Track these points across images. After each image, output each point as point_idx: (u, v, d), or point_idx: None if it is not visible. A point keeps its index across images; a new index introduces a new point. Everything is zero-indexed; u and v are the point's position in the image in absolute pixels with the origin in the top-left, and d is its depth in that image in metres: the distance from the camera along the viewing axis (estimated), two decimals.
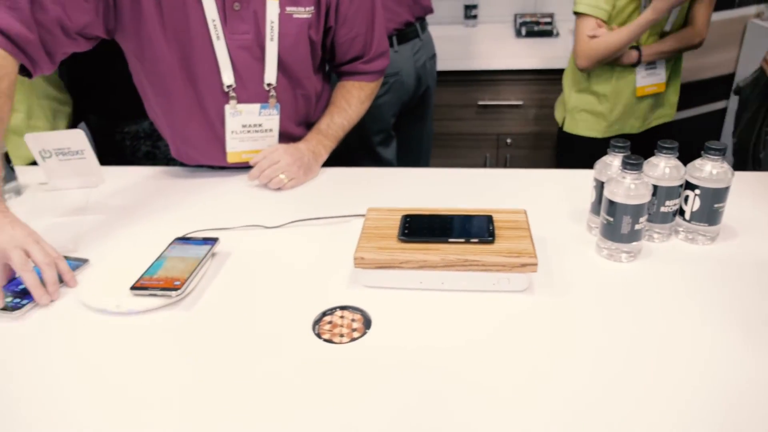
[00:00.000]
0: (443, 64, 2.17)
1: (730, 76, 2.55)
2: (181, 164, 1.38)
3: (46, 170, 1.23)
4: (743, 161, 1.62)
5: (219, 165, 1.33)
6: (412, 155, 2.13)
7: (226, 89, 1.22)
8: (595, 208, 1.02)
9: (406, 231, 0.93)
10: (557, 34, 2.58)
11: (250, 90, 1.23)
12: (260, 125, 1.28)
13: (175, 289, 0.88)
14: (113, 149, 1.77)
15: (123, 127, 1.80)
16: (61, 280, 0.93)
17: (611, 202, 0.93)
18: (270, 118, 1.28)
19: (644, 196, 0.92)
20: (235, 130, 1.27)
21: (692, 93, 2.50)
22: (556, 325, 0.82)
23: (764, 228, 1.04)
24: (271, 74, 1.23)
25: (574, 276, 0.93)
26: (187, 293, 0.91)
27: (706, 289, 0.89)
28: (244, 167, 1.31)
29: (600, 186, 1.00)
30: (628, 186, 0.91)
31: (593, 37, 1.67)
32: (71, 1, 1.04)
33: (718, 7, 1.82)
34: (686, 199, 0.99)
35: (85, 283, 0.94)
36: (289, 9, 1.19)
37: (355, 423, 0.68)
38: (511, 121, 2.43)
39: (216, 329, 0.84)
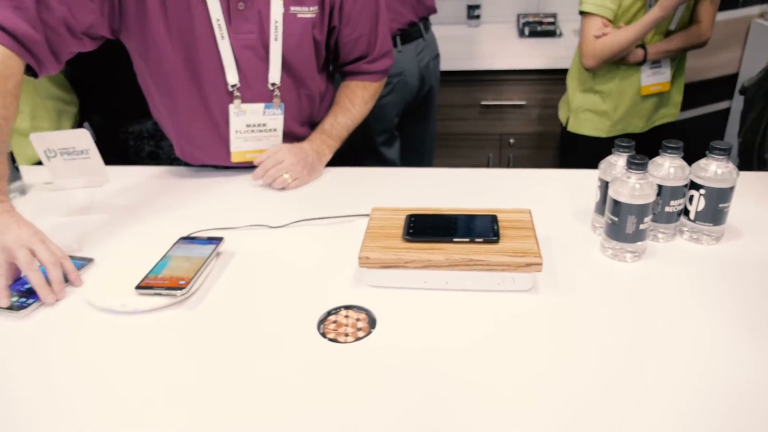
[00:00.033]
0: (446, 64, 2.17)
1: (734, 76, 2.55)
2: (185, 164, 1.39)
3: (51, 170, 1.24)
4: (748, 161, 1.62)
5: (223, 165, 1.33)
6: (415, 155, 2.13)
7: (231, 89, 1.22)
8: (600, 208, 1.02)
9: (410, 231, 0.93)
10: (560, 34, 2.58)
11: (254, 90, 1.24)
12: (264, 125, 1.28)
13: (180, 288, 0.88)
14: (116, 149, 1.77)
15: (126, 127, 1.80)
16: (66, 280, 0.93)
17: (616, 202, 0.93)
18: (274, 118, 1.28)
19: (649, 196, 0.92)
20: (239, 130, 1.27)
21: (695, 93, 2.49)
22: (561, 325, 0.82)
23: None
24: (275, 74, 1.23)
25: (579, 276, 0.93)
26: (192, 292, 0.91)
27: (711, 289, 0.89)
28: (248, 167, 1.31)
29: (605, 186, 1.00)
30: (632, 186, 0.91)
31: (599, 36, 1.66)
32: (77, 1, 1.04)
33: (722, 7, 1.82)
34: (691, 198, 0.99)
35: (91, 283, 0.94)
36: (293, 9, 1.19)
37: (360, 423, 0.68)
38: (514, 121, 2.43)
39: (221, 328, 0.84)
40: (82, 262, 1.00)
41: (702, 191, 0.97)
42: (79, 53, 1.12)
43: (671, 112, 1.90)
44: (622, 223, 0.93)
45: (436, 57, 2.02)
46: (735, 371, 0.73)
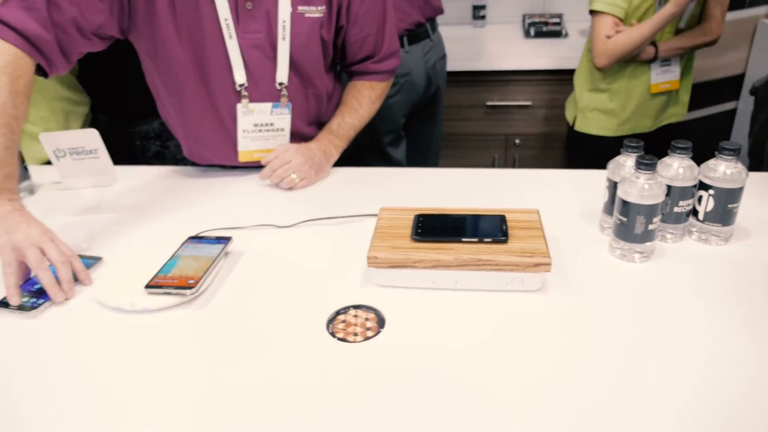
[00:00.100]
0: (451, 65, 2.16)
1: (740, 77, 2.54)
2: (191, 164, 1.39)
3: (59, 169, 1.24)
4: (758, 162, 1.61)
5: (230, 164, 1.33)
6: (422, 156, 2.13)
7: (238, 88, 1.22)
8: (608, 209, 1.02)
9: (419, 230, 0.93)
10: (566, 35, 2.57)
11: (261, 89, 1.24)
12: (272, 124, 1.28)
13: (190, 287, 0.88)
14: (123, 149, 1.78)
15: (133, 127, 1.81)
16: (75, 279, 0.94)
17: (625, 202, 0.93)
18: (281, 118, 1.28)
19: (658, 197, 0.91)
20: (246, 129, 1.27)
21: (702, 93, 2.49)
22: (570, 326, 0.82)
23: None
24: (282, 73, 1.23)
25: (588, 276, 0.93)
26: (201, 292, 0.91)
27: (720, 289, 0.89)
28: (255, 167, 1.31)
29: (613, 186, 0.99)
30: (641, 186, 0.91)
31: (611, 36, 1.66)
32: (87, 2, 1.04)
33: (729, 7, 1.81)
34: (700, 199, 0.98)
35: (100, 282, 0.94)
36: (301, 8, 1.20)
37: (369, 422, 0.68)
38: (520, 121, 2.43)
39: (230, 328, 0.84)
40: (91, 261, 1.00)
41: (711, 192, 0.97)
42: (87, 53, 1.13)
43: (679, 112, 1.90)
44: (630, 223, 0.93)
45: (443, 57, 2.02)
46: (744, 372, 0.73)
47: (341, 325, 0.84)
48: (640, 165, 0.91)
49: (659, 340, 0.78)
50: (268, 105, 1.26)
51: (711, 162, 0.97)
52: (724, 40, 1.81)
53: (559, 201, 1.16)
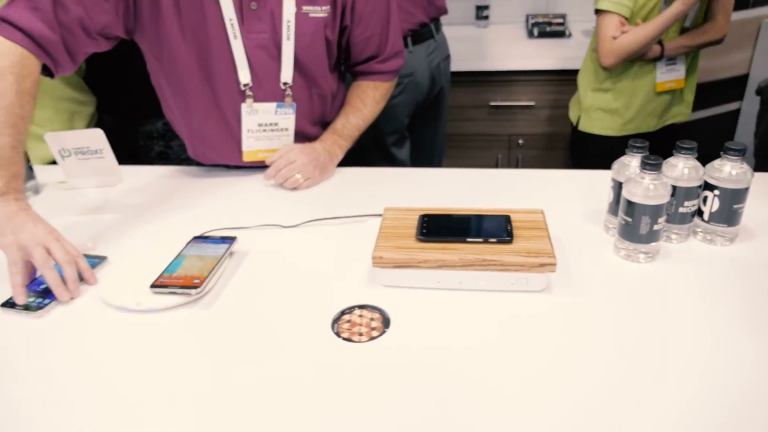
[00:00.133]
0: (455, 65, 2.16)
1: (744, 77, 2.54)
2: (195, 164, 1.39)
3: (65, 169, 1.24)
4: (764, 162, 1.61)
5: (235, 164, 1.33)
6: (426, 156, 2.13)
7: (243, 88, 1.22)
8: (613, 209, 1.02)
9: (424, 231, 0.93)
10: (569, 35, 2.57)
11: (266, 89, 1.24)
12: (276, 124, 1.28)
13: (195, 287, 0.88)
14: (126, 149, 1.78)
15: (136, 127, 1.81)
16: (81, 278, 0.94)
17: (630, 203, 0.93)
18: (286, 117, 1.28)
19: (663, 197, 0.91)
20: (251, 129, 1.27)
21: (706, 94, 2.48)
22: (575, 326, 0.82)
23: None
24: (287, 73, 1.24)
25: (592, 276, 0.93)
26: (206, 291, 0.91)
27: (724, 290, 0.88)
28: (259, 167, 1.31)
29: (618, 186, 0.99)
30: (647, 186, 0.91)
31: (617, 36, 1.66)
32: (92, 2, 1.05)
33: (733, 7, 1.81)
34: (705, 199, 0.98)
35: (105, 281, 0.94)
36: (305, 8, 1.20)
37: (375, 422, 0.68)
38: (523, 121, 2.43)
39: (235, 327, 0.84)
40: (96, 261, 1.00)
41: (716, 192, 0.96)
42: (92, 54, 1.13)
43: (683, 112, 1.89)
44: (635, 223, 0.93)
45: (447, 58, 2.02)
46: (748, 372, 0.72)
47: (346, 325, 0.84)
48: (645, 165, 0.91)
49: (664, 340, 0.78)
50: (273, 105, 1.26)
51: (716, 162, 0.97)
52: (728, 40, 1.81)
53: (563, 201, 1.16)
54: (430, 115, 2.04)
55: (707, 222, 0.99)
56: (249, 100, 1.24)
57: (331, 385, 0.73)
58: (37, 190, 1.28)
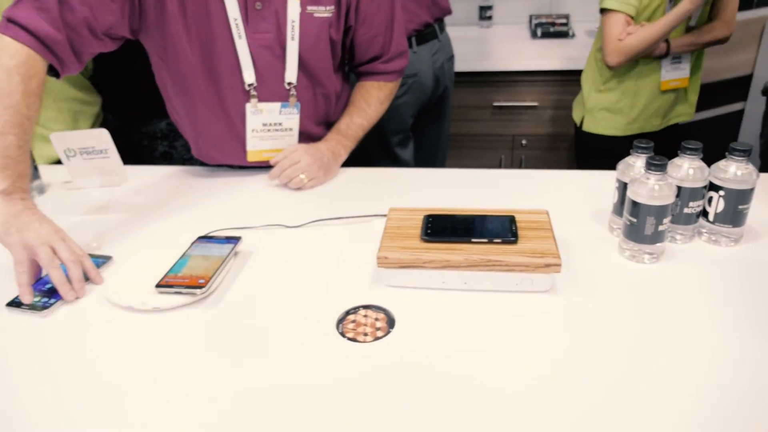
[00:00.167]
0: (458, 65, 2.17)
1: (748, 78, 2.53)
2: (199, 164, 1.39)
3: (70, 169, 1.25)
4: None
5: (239, 164, 1.34)
6: (429, 156, 2.13)
7: (247, 88, 1.22)
8: (618, 209, 1.02)
9: (428, 231, 0.93)
10: (573, 35, 2.57)
11: (270, 89, 1.24)
12: (280, 124, 1.29)
13: (200, 287, 0.89)
14: (130, 149, 1.78)
15: (140, 127, 1.81)
16: (86, 278, 0.94)
17: (634, 203, 0.93)
18: (290, 117, 1.29)
19: (668, 197, 0.91)
20: (255, 129, 1.27)
21: (710, 94, 2.48)
22: (580, 327, 0.82)
23: None
24: (291, 73, 1.24)
25: (597, 277, 0.93)
26: (211, 291, 0.91)
27: (729, 291, 0.88)
28: (263, 167, 1.32)
29: (623, 187, 0.99)
30: (651, 187, 0.91)
31: (623, 37, 1.66)
32: (98, 3, 1.05)
33: (738, 6, 1.81)
34: (710, 200, 0.98)
35: (110, 281, 0.95)
36: (310, 8, 1.20)
37: (380, 422, 0.68)
38: (527, 122, 2.43)
39: (240, 327, 0.85)
40: (102, 261, 1.00)
41: (721, 192, 0.96)
42: (98, 54, 1.13)
43: (687, 111, 1.89)
44: (640, 224, 0.93)
45: (451, 58, 2.02)
46: (755, 373, 0.72)
47: (351, 325, 0.84)
48: (650, 166, 0.91)
49: (669, 341, 0.78)
50: (277, 105, 1.26)
51: (721, 163, 0.97)
52: (732, 40, 1.81)
53: (567, 202, 1.15)
54: (434, 115, 2.04)
55: (712, 223, 0.99)
56: (253, 100, 1.24)
57: (336, 386, 0.73)
58: (42, 190, 1.29)
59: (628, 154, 1.01)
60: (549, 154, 2.49)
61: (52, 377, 0.76)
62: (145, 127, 1.81)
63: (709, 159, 0.98)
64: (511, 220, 0.95)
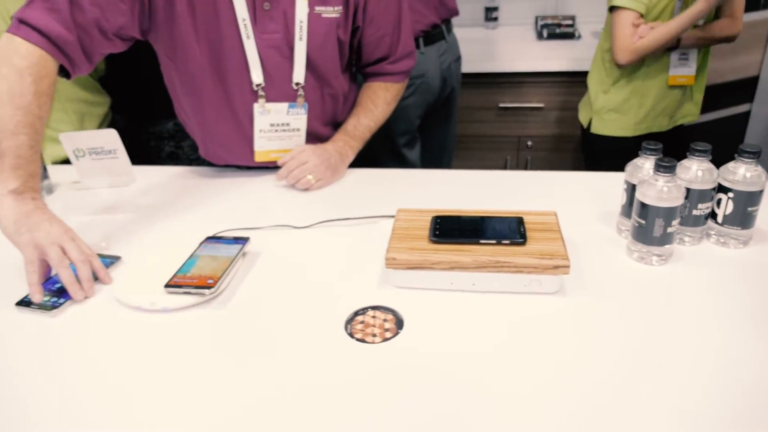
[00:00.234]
0: (464, 66, 2.16)
1: (755, 79, 2.53)
2: (206, 164, 1.40)
3: (79, 169, 1.25)
4: None
5: (246, 165, 1.34)
6: (436, 157, 2.13)
7: (255, 88, 1.23)
8: (626, 211, 1.02)
9: (437, 232, 0.93)
10: (579, 36, 2.57)
11: (278, 89, 1.25)
12: (288, 124, 1.29)
13: (209, 287, 0.89)
14: (137, 149, 1.79)
15: (147, 128, 1.82)
16: (95, 278, 0.94)
17: (643, 205, 0.92)
18: (298, 118, 1.29)
19: (677, 199, 0.91)
20: (263, 129, 1.28)
21: (717, 95, 2.47)
22: (588, 328, 0.82)
23: None
24: (299, 73, 1.24)
25: (605, 278, 0.93)
26: (220, 291, 0.92)
27: (738, 293, 0.88)
28: (270, 167, 1.32)
29: (631, 188, 0.99)
30: (660, 188, 0.91)
31: (639, 38, 1.66)
32: (108, 3, 1.06)
33: (745, 8, 1.81)
34: (719, 202, 0.98)
35: (119, 281, 0.95)
36: (318, 8, 1.20)
37: (388, 423, 0.68)
38: (533, 123, 2.43)
39: (249, 328, 0.85)
40: (110, 261, 1.01)
41: (730, 194, 0.96)
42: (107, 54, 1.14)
43: (693, 112, 1.89)
44: (649, 226, 0.93)
45: (458, 59, 2.02)
46: (763, 376, 0.72)
47: (360, 326, 0.84)
48: (659, 167, 0.91)
49: (677, 343, 0.78)
50: (285, 105, 1.27)
51: (730, 165, 0.97)
52: (739, 42, 1.81)
53: (574, 203, 1.15)
54: (440, 116, 2.04)
55: (721, 225, 0.99)
56: (261, 100, 1.24)
57: (344, 386, 0.73)
58: (50, 190, 1.29)
59: (637, 155, 1.01)
60: (555, 156, 2.48)
61: (60, 377, 0.76)
62: (152, 127, 1.82)
63: (716, 161, 0.98)
64: (520, 221, 0.95)
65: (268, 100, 1.25)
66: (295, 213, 1.15)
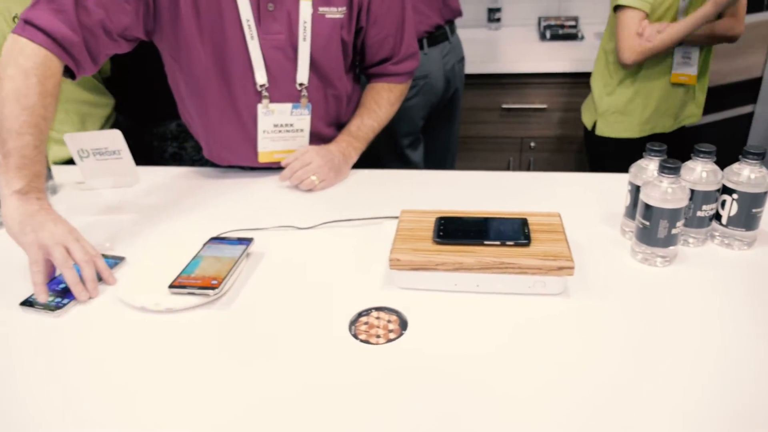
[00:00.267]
0: (467, 67, 2.16)
1: (758, 80, 2.52)
2: (209, 165, 1.40)
3: (83, 170, 1.25)
4: None
5: (250, 165, 1.34)
6: (438, 157, 2.13)
7: (259, 89, 1.23)
8: (630, 212, 1.02)
9: (441, 233, 0.93)
10: (582, 38, 2.56)
11: (282, 90, 1.25)
12: (292, 125, 1.29)
13: (213, 288, 0.89)
14: (140, 150, 1.79)
15: (150, 129, 1.82)
16: (99, 278, 0.95)
17: (648, 206, 0.92)
18: (301, 118, 1.29)
19: (681, 201, 0.91)
20: (266, 130, 1.28)
21: (719, 97, 2.47)
22: (593, 330, 0.82)
23: None
24: (303, 74, 1.24)
25: (609, 280, 0.92)
26: (224, 292, 0.92)
27: (742, 294, 0.88)
28: (274, 168, 1.32)
29: (635, 190, 0.99)
30: (665, 190, 0.91)
31: (648, 41, 1.66)
32: (113, 4, 1.06)
33: (747, 10, 1.81)
34: (723, 203, 0.98)
35: (123, 281, 0.95)
36: (321, 9, 1.20)
37: (393, 425, 0.68)
38: (535, 124, 2.43)
39: (253, 328, 0.85)
40: (115, 261, 1.01)
41: (735, 196, 0.96)
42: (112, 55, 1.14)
43: (695, 113, 1.89)
44: (653, 227, 0.93)
45: (461, 60, 2.02)
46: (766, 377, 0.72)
47: (364, 327, 0.84)
48: (663, 169, 0.91)
49: (681, 345, 0.78)
50: (288, 105, 1.27)
51: (735, 166, 0.97)
52: (743, 43, 1.80)
53: (577, 204, 1.15)
54: (444, 117, 2.05)
55: (725, 226, 0.99)
56: (265, 101, 1.25)
57: (348, 387, 0.73)
58: (54, 190, 1.29)
59: (641, 156, 1.01)
60: (557, 157, 2.48)
61: (64, 377, 0.77)
62: (155, 128, 1.82)
63: (719, 162, 0.98)
64: (524, 222, 0.95)
65: (272, 100, 1.25)
66: (298, 214, 1.15)
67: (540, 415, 0.68)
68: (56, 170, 1.34)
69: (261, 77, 1.22)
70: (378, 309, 0.88)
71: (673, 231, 0.93)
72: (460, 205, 1.05)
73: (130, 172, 1.27)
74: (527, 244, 0.90)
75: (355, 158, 1.34)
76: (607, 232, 1.06)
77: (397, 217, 1.02)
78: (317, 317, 0.86)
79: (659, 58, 1.74)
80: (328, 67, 1.27)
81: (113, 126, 1.67)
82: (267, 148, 1.30)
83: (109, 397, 0.73)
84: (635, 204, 0.98)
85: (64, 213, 1.00)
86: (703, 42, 1.75)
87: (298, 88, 1.26)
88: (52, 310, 0.89)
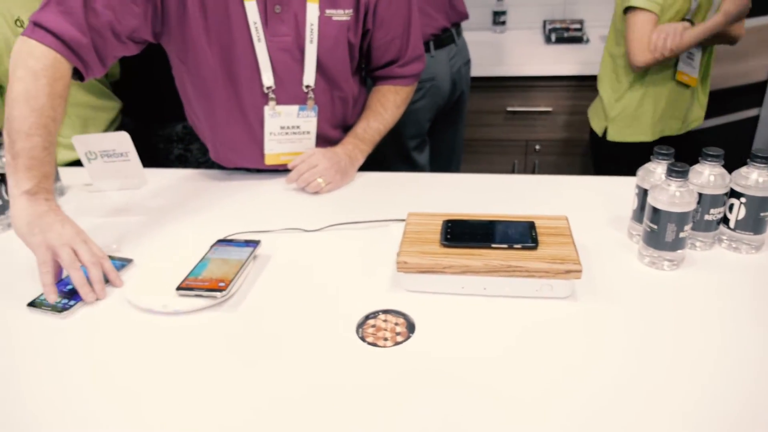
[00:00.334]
0: (472, 70, 2.16)
1: (762, 84, 2.52)
2: (216, 167, 1.40)
3: (91, 172, 1.26)
4: None
5: (256, 168, 1.34)
6: (445, 160, 2.13)
7: (266, 91, 1.23)
8: (638, 216, 1.01)
9: (448, 236, 0.93)
10: (587, 41, 2.56)
11: (289, 91, 1.25)
12: (298, 127, 1.29)
13: (221, 290, 0.89)
14: (146, 152, 1.79)
15: (156, 130, 1.82)
16: (106, 280, 0.95)
17: (655, 210, 0.92)
18: (308, 120, 1.29)
19: (689, 204, 0.91)
20: (273, 132, 1.28)
21: (725, 100, 2.47)
22: (600, 333, 0.82)
23: None
24: (309, 76, 1.24)
25: (617, 283, 0.92)
26: (232, 294, 0.92)
27: (750, 298, 0.88)
28: (280, 171, 1.32)
29: (643, 193, 0.99)
30: (672, 193, 0.90)
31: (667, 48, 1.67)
32: (122, 6, 1.06)
33: (750, 13, 1.80)
34: (731, 207, 0.98)
35: (131, 283, 0.95)
36: (328, 11, 1.21)
37: (400, 427, 0.68)
38: (541, 127, 2.42)
39: (260, 330, 0.85)
40: (122, 263, 1.01)
41: (743, 200, 0.96)
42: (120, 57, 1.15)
43: (699, 114, 1.90)
44: (661, 230, 0.92)
45: (468, 62, 2.02)
46: None
47: (371, 330, 0.84)
48: (671, 172, 0.90)
49: (689, 349, 0.78)
50: (295, 108, 1.27)
51: (743, 170, 0.96)
52: (746, 46, 1.80)
53: (584, 207, 1.15)
54: (450, 119, 2.05)
55: (733, 230, 0.99)
56: (272, 103, 1.25)
57: (355, 390, 0.73)
58: (62, 192, 1.30)
59: (650, 160, 1.01)
60: (562, 160, 2.48)
61: (70, 378, 0.77)
62: (161, 130, 1.82)
63: (725, 165, 0.97)
64: (531, 225, 0.95)
65: (279, 102, 1.25)
66: (305, 216, 1.15)
67: (547, 418, 0.68)
68: (64, 172, 1.35)
69: (268, 79, 1.22)
70: (385, 312, 0.88)
71: (681, 234, 0.92)
72: (466, 208, 1.05)
73: (137, 174, 1.27)
74: (535, 248, 0.90)
75: (361, 161, 1.34)
76: (614, 235, 1.06)
77: (403, 220, 1.02)
78: (324, 320, 0.86)
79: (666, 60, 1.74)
80: (335, 70, 1.27)
81: (119, 128, 1.67)
82: (273, 150, 1.30)
83: (115, 399, 0.73)
84: (643, 207, 0.98)
85: (72, 215, 1.00)
86: (704, 42, 1.75)
87: (305, 90, 1.26)
88: (59, 312, 0.89)
